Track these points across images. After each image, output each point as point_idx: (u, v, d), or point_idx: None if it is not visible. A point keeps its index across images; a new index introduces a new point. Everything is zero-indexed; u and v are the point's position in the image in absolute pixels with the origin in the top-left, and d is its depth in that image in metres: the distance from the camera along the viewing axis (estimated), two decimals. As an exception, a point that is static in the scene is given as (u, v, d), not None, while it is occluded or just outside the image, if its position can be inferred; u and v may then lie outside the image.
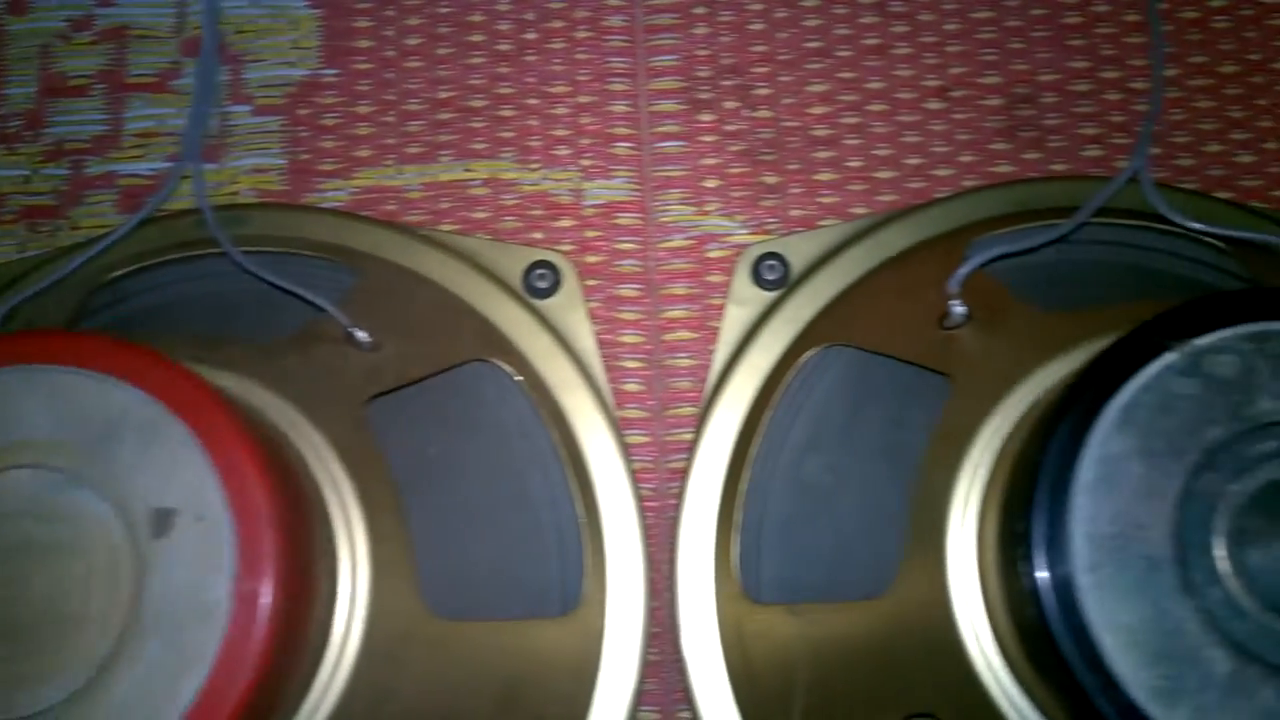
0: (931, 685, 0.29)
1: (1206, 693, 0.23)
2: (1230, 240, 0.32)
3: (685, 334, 0.40)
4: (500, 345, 0.37)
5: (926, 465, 0.31)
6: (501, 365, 0.37)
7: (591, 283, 0.40)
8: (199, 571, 0.23)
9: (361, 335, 0.34)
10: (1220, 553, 0.24)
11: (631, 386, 0.39)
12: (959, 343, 0.33)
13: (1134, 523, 0.24)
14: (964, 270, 0.32)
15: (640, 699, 0.36)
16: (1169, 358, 0.25)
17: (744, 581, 0.35)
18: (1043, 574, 0.24)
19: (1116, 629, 0.23)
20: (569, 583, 0.36)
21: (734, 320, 0.39)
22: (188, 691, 0.23)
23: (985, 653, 0.28)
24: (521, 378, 0.37)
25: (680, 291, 0.40)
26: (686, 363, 0.40)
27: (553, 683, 0.34)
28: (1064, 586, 0.23)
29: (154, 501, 0.24)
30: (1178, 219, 0.32)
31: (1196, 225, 0.31)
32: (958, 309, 0.33)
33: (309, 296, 0.34)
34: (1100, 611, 0.23)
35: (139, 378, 0.24)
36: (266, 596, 0.23)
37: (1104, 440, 0.24)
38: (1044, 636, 0.24)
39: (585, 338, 0.39)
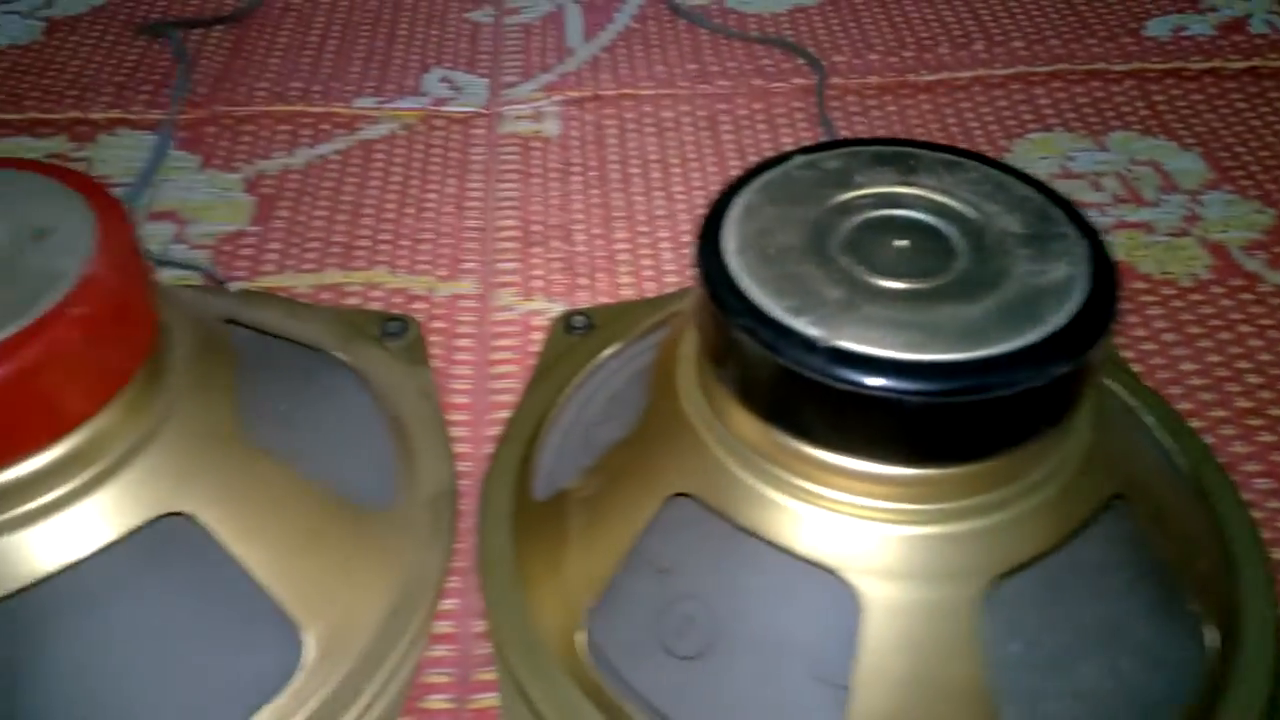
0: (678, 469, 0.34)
1: (825, 308, 0.30)
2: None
3: (509, 368, 0.48)
4: (353, 364, 0.46)
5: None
6: (350, 365, 0.45)
7: (435, 340, 0.49)
8: (58, 260, 0.31)
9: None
10: (834, 248, 0.32)
11: (459, 399, 0.47)
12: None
13: (770, 230, 0.32)
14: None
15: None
16: (792, 160, 0.35)
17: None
18: (706, 265, 0.31)
19: (755, 279, 0.30)
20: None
21: (548, 354, 0.48)
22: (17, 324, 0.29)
23: (713, 430, 0.34)
24: (361, 373, 0.45)
25: (506, 344, 0.50)
26: (509, 384, 0.48)
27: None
28: (718, 264, 0.31)
29: (41, 223, 0.32)
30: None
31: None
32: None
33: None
34: (742, 272, 0.31)
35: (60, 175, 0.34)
36: (98, 280, 0.31)
37: (746, 198, 0.33)
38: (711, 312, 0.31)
39: (421, 363, 0.47)
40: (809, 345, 0.29)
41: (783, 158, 0.36)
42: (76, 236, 0.32)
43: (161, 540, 0.33)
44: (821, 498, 0.31)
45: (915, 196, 0.34)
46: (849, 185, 0.34)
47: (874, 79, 0.65)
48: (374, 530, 0.38)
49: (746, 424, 0.32)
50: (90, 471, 0.32)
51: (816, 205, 0.34)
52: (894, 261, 0.32)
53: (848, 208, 0.34)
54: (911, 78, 0.65)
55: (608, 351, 0.45)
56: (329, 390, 0.43)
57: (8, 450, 0.30)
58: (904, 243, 0.32)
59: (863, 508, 0.31)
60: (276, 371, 0.42)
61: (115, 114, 0.63)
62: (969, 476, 0.31)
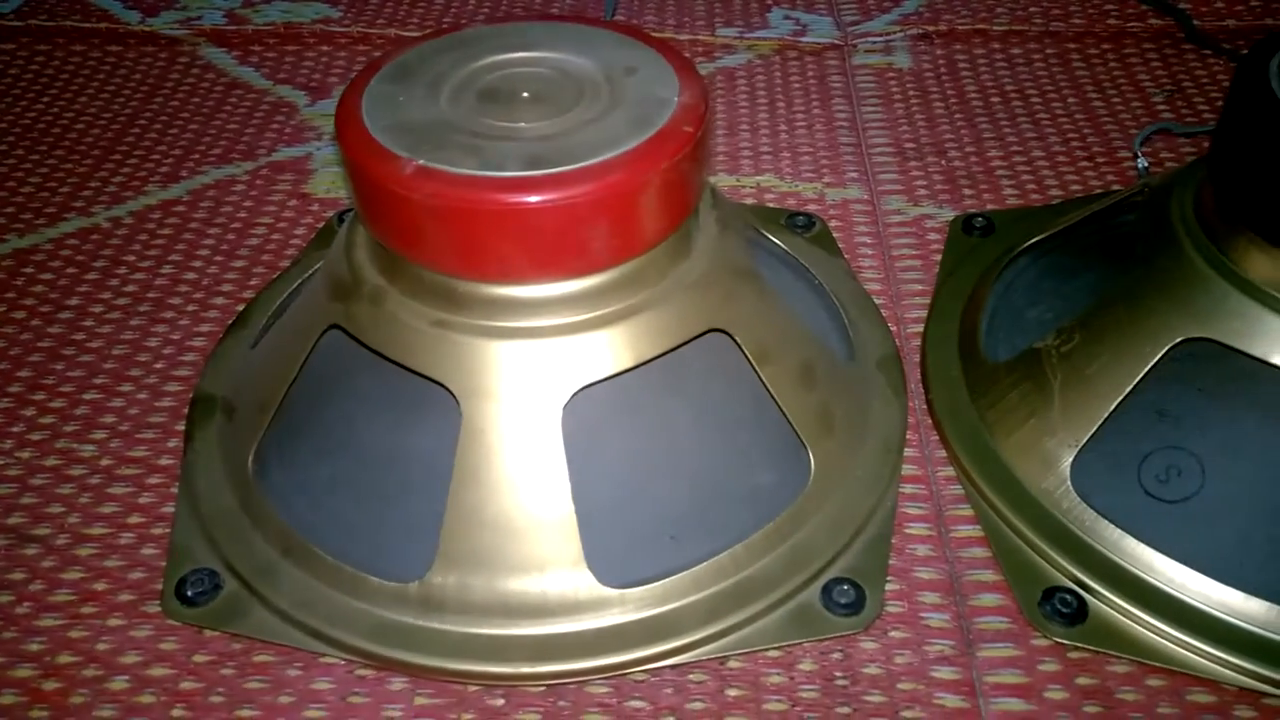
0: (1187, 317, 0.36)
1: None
2: None
3: (911, 262, 0.51)
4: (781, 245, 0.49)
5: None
6: (779, 245, 0.48)
7: (836, 236, 0.52)
8: (654, 90, 0.35)
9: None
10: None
11: (872, 285, 0.50)
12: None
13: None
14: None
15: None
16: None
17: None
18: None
19: None
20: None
21: (953, 249, 0.50)
22: (647, 133, 0.33)
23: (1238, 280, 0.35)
24: (789, 253, 0.48)
25: (903, 241, 0.52)
26: (915, 275, 0.50)
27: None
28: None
29: (626, 64, 0.36)
30: None
31: None
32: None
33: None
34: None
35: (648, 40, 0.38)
36: (695, 107, 0.35)
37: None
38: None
39: (835, 252, 0.50)
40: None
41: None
42: (660, 75, 0.36)
43: (701, 355, 0.37)
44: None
45: None
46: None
47: (1230, 23, 0.65)
48: (848, 379, 0.41)
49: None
50: (656, 287, 0.35)
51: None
52: None
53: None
54: (1271, 22, 0.65)
55: (1029, 242, 0.47)
56: (774, 259, 0.47)
57: (623, 247, 0.34)
58: None
59: None
60: (740, 232, 0.45)
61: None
62: None
